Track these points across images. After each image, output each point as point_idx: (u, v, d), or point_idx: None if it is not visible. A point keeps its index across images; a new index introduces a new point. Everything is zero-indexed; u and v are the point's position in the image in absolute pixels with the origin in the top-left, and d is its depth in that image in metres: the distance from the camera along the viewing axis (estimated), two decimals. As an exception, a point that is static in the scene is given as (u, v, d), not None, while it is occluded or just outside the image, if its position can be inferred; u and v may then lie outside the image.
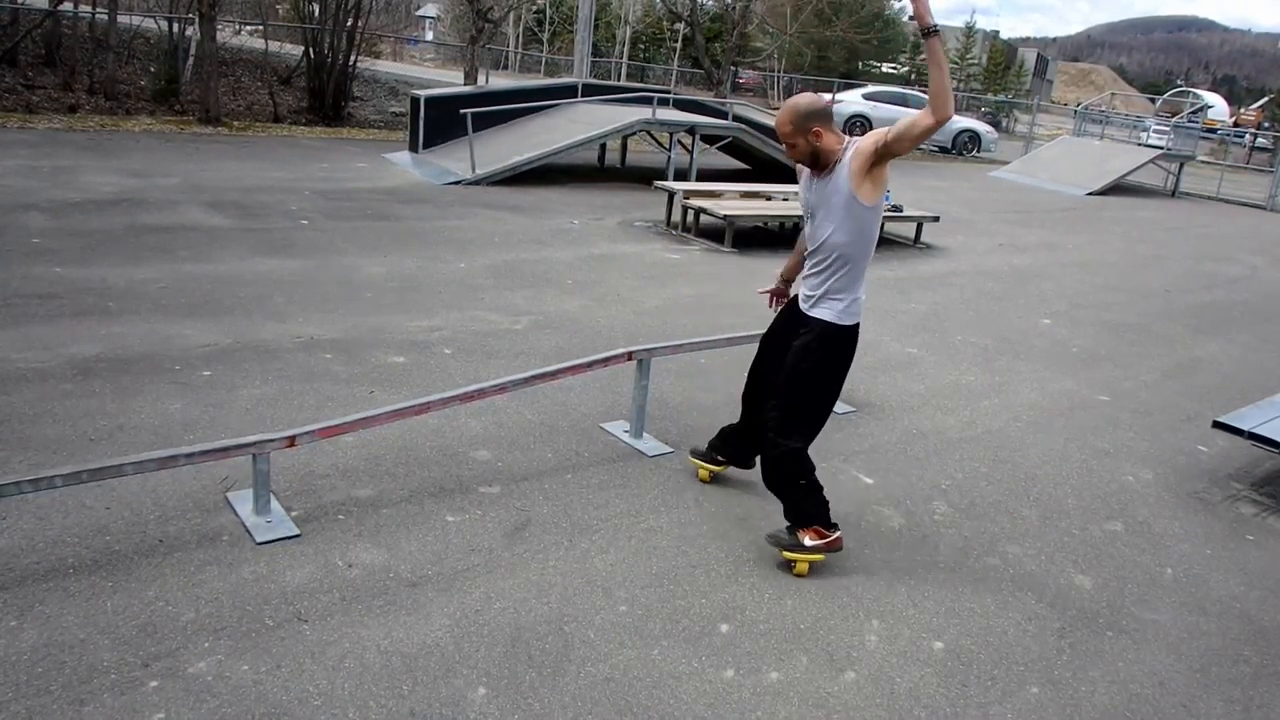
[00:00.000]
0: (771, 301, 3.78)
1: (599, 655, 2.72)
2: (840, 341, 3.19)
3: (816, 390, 3.23)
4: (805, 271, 3.27)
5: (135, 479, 3.27)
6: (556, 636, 2.78)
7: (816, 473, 3.28)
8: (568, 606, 2.94)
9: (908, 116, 2.87)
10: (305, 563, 3.00)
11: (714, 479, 3.89)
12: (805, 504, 3.25)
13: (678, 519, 3.56)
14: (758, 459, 3.58)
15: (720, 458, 3.80)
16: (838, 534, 3.28)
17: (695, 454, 3.87)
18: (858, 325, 3.20)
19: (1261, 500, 4.39)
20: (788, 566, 3.24)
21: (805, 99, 3.07)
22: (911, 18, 2.97)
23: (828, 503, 3.28)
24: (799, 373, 3.20)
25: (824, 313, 3.16)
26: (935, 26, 2.77)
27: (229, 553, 3.01)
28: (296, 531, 3.16)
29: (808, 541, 3.22)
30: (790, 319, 3.36)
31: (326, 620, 2.73)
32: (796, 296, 3.37)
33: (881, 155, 2.95)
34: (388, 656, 2.61)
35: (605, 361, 4.00)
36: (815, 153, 3.04)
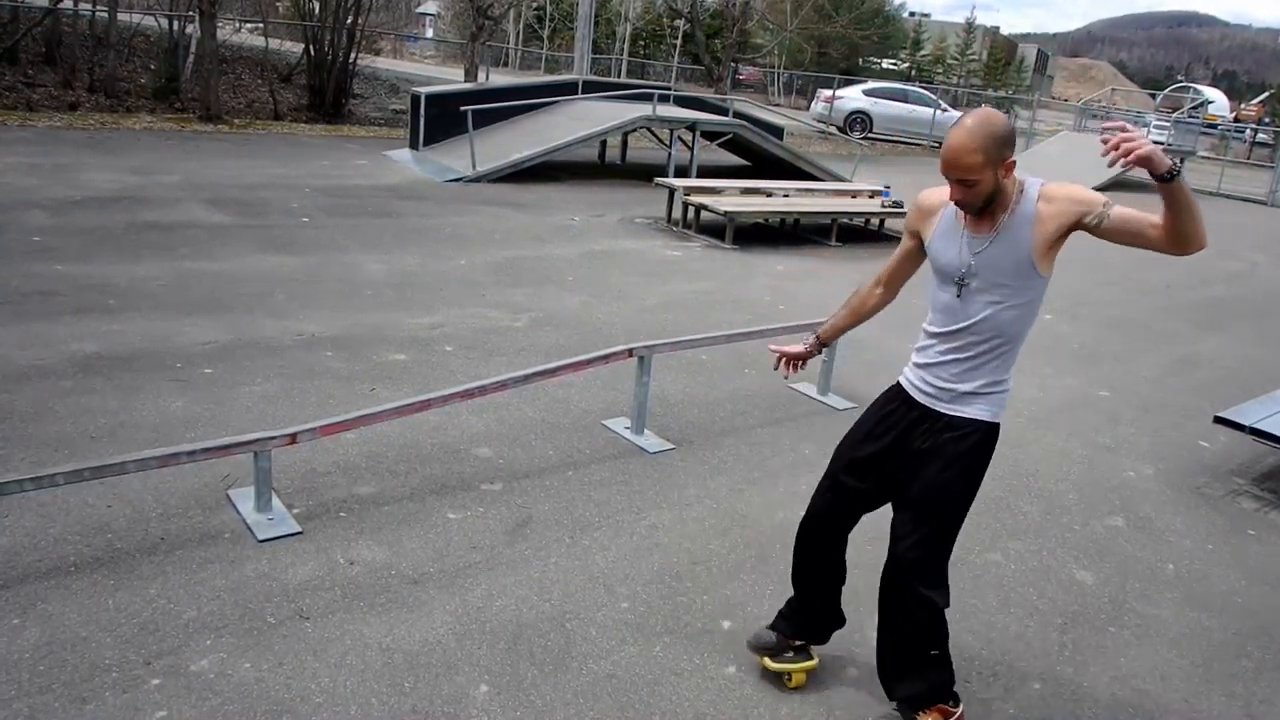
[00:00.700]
0: (782, 365, 2.73)
1: (600, 652, 2.72)
2: (993, 444, 2.37)
3: (963, 515, 2.38)
4: (941, 355, 2.36)
5: (137, 476, 3.27)
6: (558, 633, 2.78)
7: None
8: (569, 603, 2.94)
9: (1145, 218, 2.09)
10: (307, 560, 3.00)
11: (709, 471, 3.89)
12: (939, 678, 2.46)
13: (679, 516, 3.56)
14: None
15: (800, 642, 2.71)
16: (961, 708, 2.49)
17: (774, 655, 2.70)
18: None
19: (1263, 495, 4.38)
20: None
21: (998, 117, 2.14)
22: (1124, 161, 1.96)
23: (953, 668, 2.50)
24: (953, 495, 2.33)
25: (983, 411, 2.32)
26: (1176, 168, 1.95)
27: (230, 550, 3.01)
28: (298, 529, 3.16)
29: None
30: (903, 424, 2.42)
31: (328, 617, 2.74)
32: (898, 391, 2.47)
33: (1077, 229, 2.18)
34: (389, 654, 2.61)
35: (606, 358, 4.00)
36: (995, 195, 2.17)
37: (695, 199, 9.04)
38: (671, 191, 9.60)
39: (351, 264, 6.61)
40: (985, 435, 2.34)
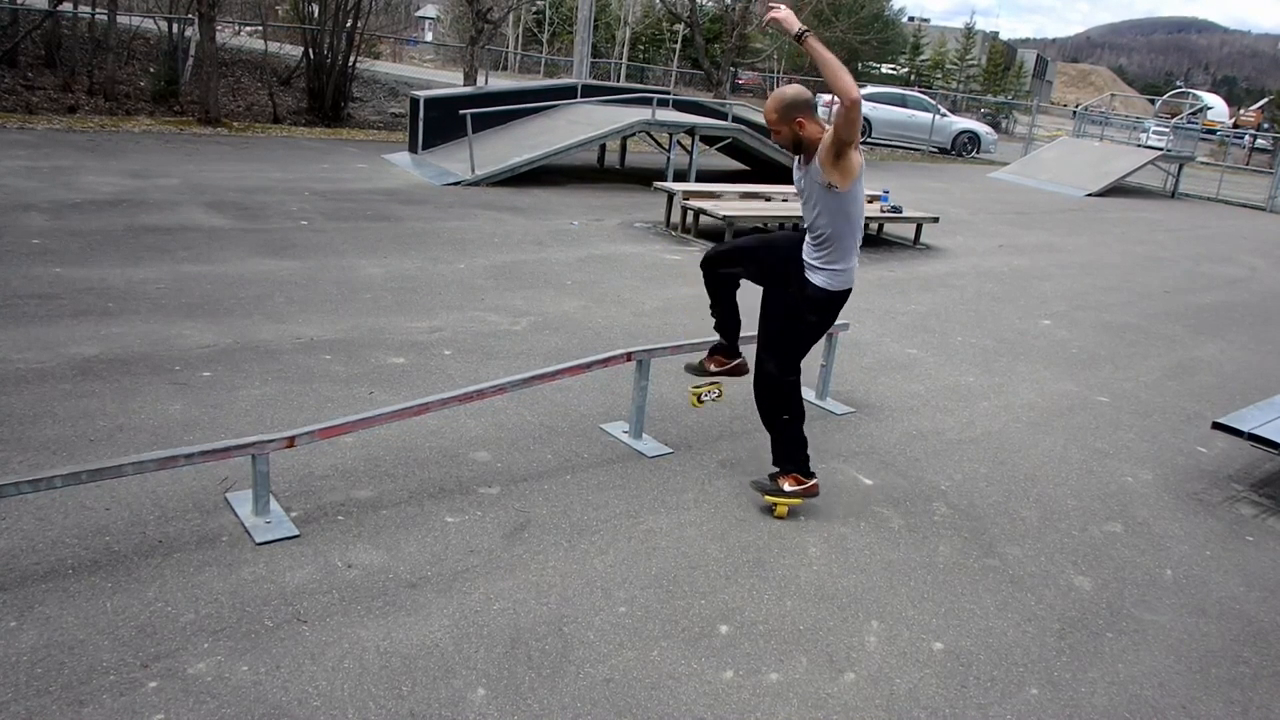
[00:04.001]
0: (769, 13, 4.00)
1: (598, 656, 2.72)
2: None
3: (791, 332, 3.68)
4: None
5: (135, 479, 3.27)
6: (556, 637, 2.78)
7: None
8: (567, 607, 2.94)
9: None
10: (304, 563, 3.00)
11: (707, 475, 3.89)
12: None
13: (677, 520, 3.56)
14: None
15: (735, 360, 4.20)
16: (812, 481, 3.63)
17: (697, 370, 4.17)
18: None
19: (1261, 501, 4.39)
20: None
21: (790, 89, 3.47)
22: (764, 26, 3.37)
23: None
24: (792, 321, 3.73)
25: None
26: (802, 30, 3.14)
27: (228, 553, 3.01)
28: (296, 532, 3.16)
29: None
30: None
31: (326, 621, 2.73)
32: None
33: (833, 145, 3.35)
34: (387, 657, 2.61)
35: (605, 362, 4.00)
36: (800, 142, 3.48)
37: (694, 203, 9.05)
38: (670, 196, 9.61)
39: (350, 267, 6.62)
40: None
